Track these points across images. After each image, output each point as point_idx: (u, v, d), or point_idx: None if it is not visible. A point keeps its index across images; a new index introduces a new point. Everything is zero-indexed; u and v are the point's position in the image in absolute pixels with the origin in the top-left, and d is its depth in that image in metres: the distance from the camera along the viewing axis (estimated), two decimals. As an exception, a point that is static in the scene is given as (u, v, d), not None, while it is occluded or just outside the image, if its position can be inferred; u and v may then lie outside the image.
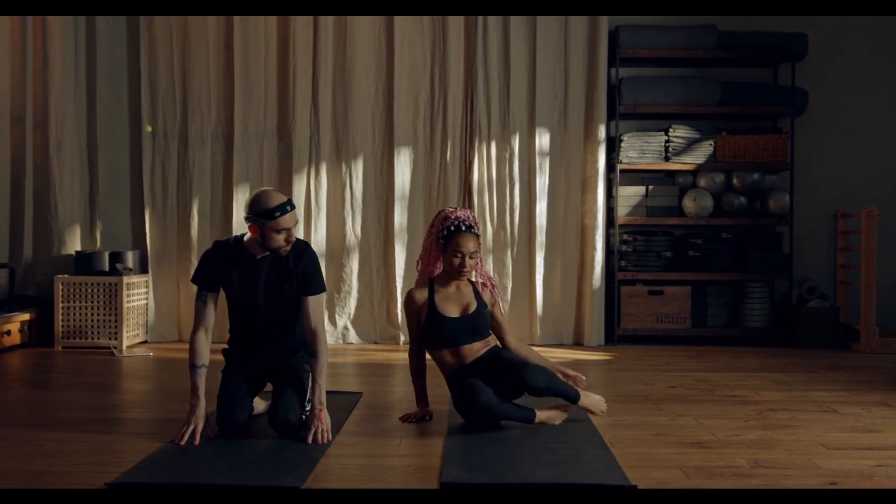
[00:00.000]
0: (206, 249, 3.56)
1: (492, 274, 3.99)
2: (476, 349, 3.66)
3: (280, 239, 3.33)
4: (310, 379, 3.46)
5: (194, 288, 3.47)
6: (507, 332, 3.82)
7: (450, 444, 3.30)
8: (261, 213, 3.30)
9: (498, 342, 3.78)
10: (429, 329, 3.66)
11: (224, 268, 3.42)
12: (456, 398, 3.59)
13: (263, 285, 3.43)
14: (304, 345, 3.53)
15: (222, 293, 3.50)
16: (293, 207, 3.36)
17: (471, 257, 3.62)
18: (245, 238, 3.44)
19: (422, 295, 3.69)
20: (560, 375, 3.69)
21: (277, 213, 3.29)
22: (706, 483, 2.87)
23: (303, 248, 3.46)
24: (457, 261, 3.61)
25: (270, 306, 3.46)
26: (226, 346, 3.63)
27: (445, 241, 3.63)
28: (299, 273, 3.42)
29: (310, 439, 3.29)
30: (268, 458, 3.10)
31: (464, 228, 3.62)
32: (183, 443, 3.24)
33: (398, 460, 3.16)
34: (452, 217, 3.65)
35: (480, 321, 3.67)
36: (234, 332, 3.59)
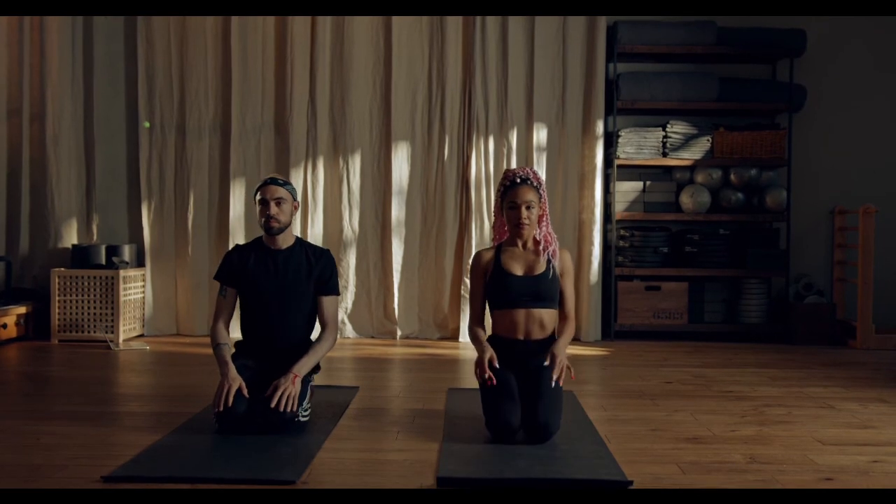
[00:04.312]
0: (229, 249, 3.81)
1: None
2: (537, 318, 3.49)
3: (262, 212, 3.57)
4: (310, 382, 3.54)
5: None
6: (563, 306, 3.57)
7: (447, 439, 3.30)
8: (254, 193, 3.64)
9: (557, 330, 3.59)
10: (492, 286, 3.54)
11: (242, 261, 3.64)
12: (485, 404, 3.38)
13: (277, 274, 3.59)
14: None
15: None
16: (273, 182, 3.59)
17: (528, 207, 3.46)
18: (263, 236, 3.67)
19: (488, 254, 3.59)
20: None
21: (257, 189, 3.61)
22: (702, 478, 2.88)
23: (323, 251, 3.71)
24: (514, 213, 3.47)
25: (281, 295, 3.59)
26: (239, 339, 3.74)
27: (502, 199, 3.51)
28: (317, 273, 3.63)
29: (273, 402, 3.30)
30: (264, 452, 3.10)
31: (518, 181, 3.48)
32: (220, 409, 3.30)
33: (395, 455, 3.16)
34: (509, 173, 3.52)
35: (544, 286, 3.50)
36: (245, 323, 3.67)
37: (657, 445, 3.30)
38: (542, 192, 3.52)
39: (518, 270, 3.53)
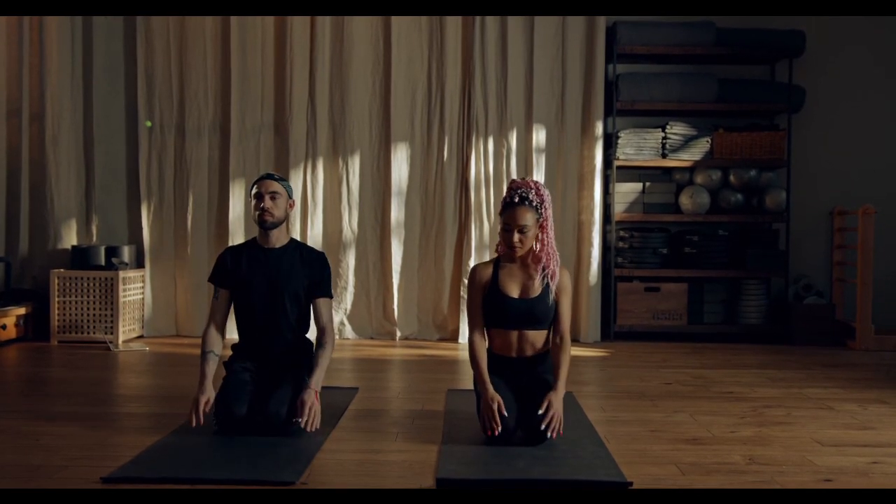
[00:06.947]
0: (221, 252, 3.80)
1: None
2: (531, 339, 3.44)
3: (256, 205, 3.56)
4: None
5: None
6: (558, 324, 3.43)
7: (446, 440, 3.30)
8: (250, 189, 3.67)
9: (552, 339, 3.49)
10: (488, 307, 3.45)
11: (235, 262, 3.63)
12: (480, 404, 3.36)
13: (269, 273, 3.58)
14: (305, 349, 3.67)
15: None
16: (269, 177, 3.60)
17: (520, 231, 3.33)
18: (257, 235, 3.67)
19: (486, 270, 3.47)
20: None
21: (252, 184, 3.64)
22: (701, 479, 2.88)
23: (318, 253, 3.69)
24: (507, 236, 3.35)
25: (273, 294, 3.57)
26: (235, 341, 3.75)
27: (502, 215, 3.39)
28: (309, 274, 3.61)
29: (303, 422, 3.30)
30: (264, 453, 3.10)
31: (517, 200, 3.33)
32: (193, 424, 3.32)
33: (394, 456, 3.16)
34: (512, 188, 3.38)
35: (540, 309, 3.40)
36: (240, 324, 3.67)
37: (656, 446, 3.30)
38: (542, 210, 3.38)
39: (514, 292, 3.43)
